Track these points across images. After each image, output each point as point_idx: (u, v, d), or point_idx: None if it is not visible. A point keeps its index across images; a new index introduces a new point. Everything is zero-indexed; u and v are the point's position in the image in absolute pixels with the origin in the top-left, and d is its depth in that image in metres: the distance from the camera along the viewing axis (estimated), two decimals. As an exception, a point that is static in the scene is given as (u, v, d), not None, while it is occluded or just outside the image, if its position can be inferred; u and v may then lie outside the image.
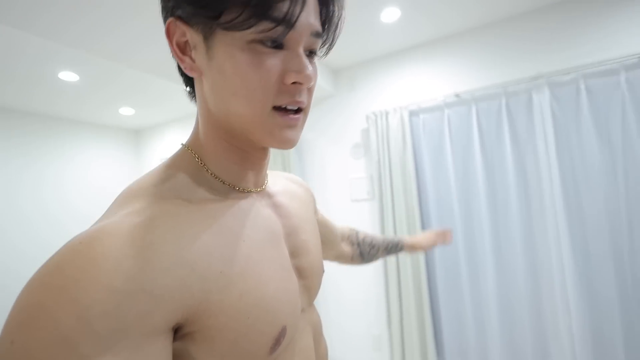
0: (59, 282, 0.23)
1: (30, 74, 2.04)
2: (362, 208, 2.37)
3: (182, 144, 0.41)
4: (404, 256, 2.08)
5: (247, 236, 0.37)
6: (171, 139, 3.47)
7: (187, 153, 0.39)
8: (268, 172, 0.51)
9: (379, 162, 2.23)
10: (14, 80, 2.12)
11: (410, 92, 2.21)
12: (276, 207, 0.46)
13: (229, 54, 0.32)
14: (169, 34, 0.34)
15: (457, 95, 1.98)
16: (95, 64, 1.99)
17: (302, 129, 0.40)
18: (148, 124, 3.62)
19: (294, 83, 0.34)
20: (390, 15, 1.78)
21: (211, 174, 0.39)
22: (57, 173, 2.79)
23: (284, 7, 0.30)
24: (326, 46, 0.39)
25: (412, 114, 2.17)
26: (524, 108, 1.82)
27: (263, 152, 0.42)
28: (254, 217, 0.40)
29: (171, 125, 3.50)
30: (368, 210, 2.35)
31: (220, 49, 0.32)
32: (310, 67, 0.34)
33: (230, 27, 0.30)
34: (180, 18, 0.33)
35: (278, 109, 0.35)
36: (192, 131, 0.41)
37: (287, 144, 0.37)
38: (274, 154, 2.57)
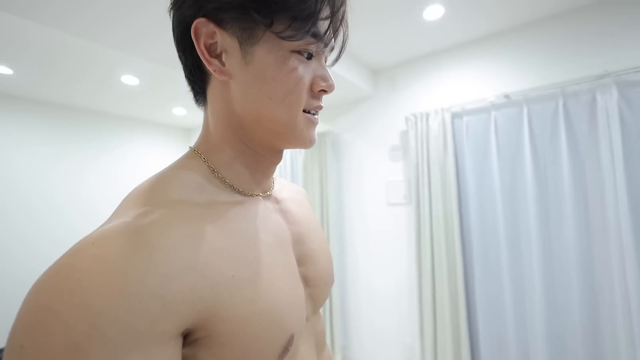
0: (69, 284, 0.22)
1: (97, 78, 2.28)
2: (398, 213, 2.29)
3: (190, 147, 0.41)
4: (440, 264, 1.98)
5: (258, 240, 0.37)
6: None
7: (196, 156, 0.39)
8: (275, 177, 0.51)
9: (417, 166, 2.15)
10: (85, 84, 2.39)
11: (454, 93, 2.09)
12: (284, 212, 0.46)
13: (272, 61, 0.34)
14: (196, 35, 0.33)
15: (506, 96, 1.83)
16: (153, 69, 2.18)
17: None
18: (198, 124, 3.86)
19: (320, 91, 0.38)
20: (433, 12, 1.70)
21: (220, 177, 0.38)
22: (116, 166, 3.10)
23: (325, 25, 0.34)
24: (334, 59, 0.42)
25: (455, 116, 2.05)
26: (585, 110, 1.62)
27: (278, 156, 0.43)
28: (264, 221, 0.40)
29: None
30: (404, 215, 2.27)
31: (262, 56, 0.34)
32: (332, 77, 0.39)
33: (284, 36, 0.32)
34: (212, 19, 0.33)
35: (305, 111, 0.38)
36: (201, 134, 0.41)
37: (312, 141, 0.40)
38: (312, 154, 2.59)
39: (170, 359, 0.25)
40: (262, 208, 0.42)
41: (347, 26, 0.38)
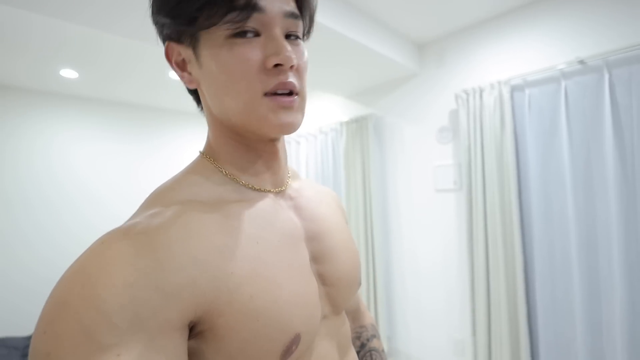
0: (82, 279, 0.26)
1: (145, 74, 2.41)
2: (447, 199, 2.12)
3: (199, 152, 0.43)
4: (495, 257, 1.79)
5: (261, 237, 0.37)
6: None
7: (203, 158, 0.41)
8: (294, 175, 0.51)
9: (469, 148, 1.94)
10: (134, 81, 2.55)
11: (513, 63, 1.82)
12: (298, 209, 0.45)
13: (213, 55, 0.34)
14: (168, 57, 0.38)
15: (581, 62, 1.54)
16: None
17: (301, 112, 0.39)
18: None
19: (275, 66, 0.34)
20: (487, -31, 1.47)
21: (228, 175, 0.39)
22: (170, 158, 3.31)
23: None
24: (306, 28, 0.40)
25: (515, 89, 1.79)
26: (691, 72, 1.30)
27: (272, 145, 0.42)
28: (270, 218, 0.39)
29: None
30: (454, 201, 2.09)
31: (205, 54, 0.35)
32: (289, 48, 0.34)
33: (205, 26, 0.33)
34: (172, 39, 0.37)
35: (269, 95, 0.35)
36: (206, 139, 0.43)
37: (286, 127, 0.36)
38: (353, 140, 2.49)
39: (176, 347, 0.28)
40: (271, 204, 0.41)
41: None
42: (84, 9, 1.28)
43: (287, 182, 0.46)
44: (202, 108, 0.43)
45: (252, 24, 0.33)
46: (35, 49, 2.09)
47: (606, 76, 1.47)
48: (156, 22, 0.37)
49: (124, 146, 3.02)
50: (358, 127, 2.48)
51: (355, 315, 0.62)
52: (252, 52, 0.34)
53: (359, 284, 0.50)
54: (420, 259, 2.25)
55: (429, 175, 2.20)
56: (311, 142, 3.00)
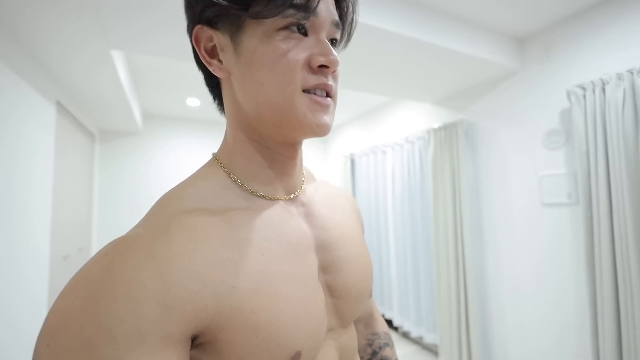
0: (83, 292, 0.26)
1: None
2: (559, 216, 1.78)
3: (212, 154, 0.42)
4: (628, 287, 1.41)
5: (266, 249, 0.36)
6: (351, 134, 3.82)
7: (214, 163, 0.40)
8: (309, 178, 0.49)
9: (587, 154, 1.61)
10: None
11: (652, 45, 1.45)
12: (309, 216, 0.43)
13: (258, 45, 0.34)
14: (197, 41, 0.36)
15: None
16: None
17: (333, 116, 0.38)
18: (334, 124, 4.13)
19: (320, 67, 0.34)
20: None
21: (238, 182, 0.38)
22: None
23: None
24: (344, 40, 0.40)
25: (655, 78, 1.42)
26: None
27: (293, 150, 0.40)
28: (278, 228, 0.38)
29: (351, 124, 3.86)
30: (568, 218, 1.74)
31: (248, 43, 0.34)
32: (335, 52, 0.35)
33: (259, 15, 0.32)
34: (207, 23, 0.36)
35: (307, 92, 0.35)
36: (222, 140, 0.42)
37: (322, 128, 0.36)
38: (442, 148, 2.34)
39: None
40: (281, 212, 0.40)
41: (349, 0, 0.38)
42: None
43: (301, 187, 0.44)
44: (220, 103, 0.43)
45: (306, 22, 0.34)
46: (168, 83, 2.65)
47: None
48: (195, 2, 0.35)
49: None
50: (447, 135, 2.32)
51: (368, 321, 0.60)
52: (299, 48, 0.34)
53: (370, 295, 0.47)
54: (525, 286, 1.94)
55: (534, 187, 1.90)
56: (397, 152, 2.93)
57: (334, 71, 0.36)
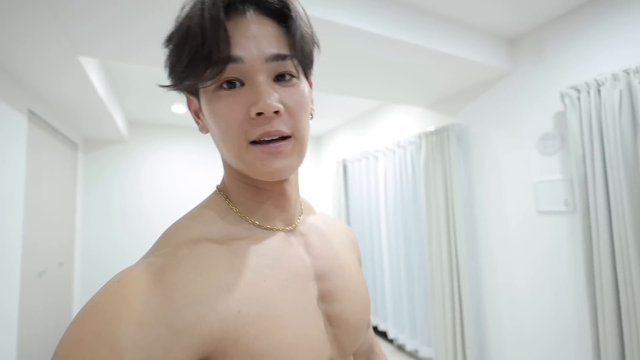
0: (97, 317, 0.27)
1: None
2: (556, 224, 1.69)
3: (216, 187, 0.44)
4: (632, 301, 1.32)
5: (268, 276, 0.37)
6: (343, 139, 3.75)
7: (218, 195, 0.42)
8: (307, 209, 0.51)
9: (584, 159, 1.52)
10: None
11: (649, 43, 1.37)
12: (308, 246, 0.44)
13: (206, 107, 0.37)
14: (189, 106, 0.42)
15: None
16: None
17: (296, 155, 0.38)
18: (325, 130, 4.06)
19: (258, 114, 0.34)
20: None
21: (239, 213, 0.41)
22: None
23: (220, 51, 0.33)
24: (305, 63, 0.39)
25: (653, 78, 1.34)
26: None
27: (279, 186, 0.42)
28: (278, 256, 0.39)
29: (342, 129, 3.78)
30: (565, 227, 1.65)
31: (203, 106, 0.37)
32: (269, 95, 0.34)
33: (191, 82, 0.35)
34: (189, 92, 0.40)
35: (256, 143, 0.35)
36: (223, 176, 0.45)
37: (273, 174, 0.36)
38: (433, 153, 2.26)
39: None
40: (281, 242, 0.41)
41: (293, 22, 0.36)
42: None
43: (299, 219, 0.46)
44: None
45: (232, 74, 0.34)
46: (152, 91, 2.57)
47: None
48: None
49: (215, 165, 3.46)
50: (439, 139, 2.24)
51: (368, 356, 0.60)
52: (235, 102, 0.34)
53: (368, 325, 0.48)
54: (521, 296, 1.84)
55: (529, 194, 1.81)
56: (389, 157, 2.85)
57: (277, 112, 0.34)
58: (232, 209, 0.41)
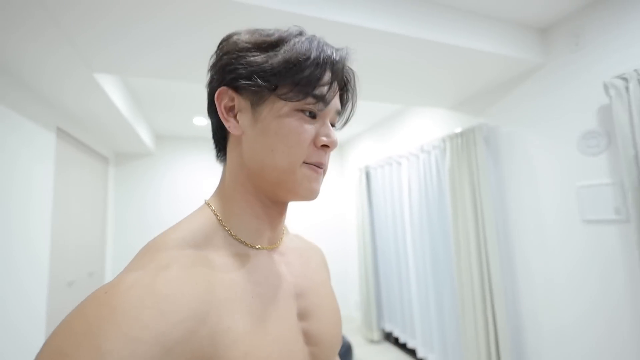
0: (81, 328, 0.25)
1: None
2: (605, 235, 1.47)
3: (205, 201, 0.44)
4: None
5: (256, 292, 0.38)
6: (365, 146, 3.64)
7: (207, 209, 0.42)
8: (286, 230, 0.52)
9: (636, 159, 1.31)
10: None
11: None
12: (289, 265, 0.46)
13: (275, 117, 0.39)
14: (219, 99, 0.41)
15: None
16: None
17: (321, 184, 0.43)
18: (347, 137, 3.97)
19: (323, 146, 0.40)
20: None
21: (227, 230, 0.41)
22: None
23: (324, 89, 0.39)
24: (342, 122, 0.47)
25: None
26: None
27: (283, 207, 0.44)
28: (265, 274, 0.41)
29: (364, 135, 3.68)
30: (617, 238, 1.43)
31: (267, 114, 0.39)
32: (336, 135, 0.42)
33: (285, 97, 0.38)
34: (231, 87, 0.40)
35: (306, 164, 0.40)
36: (217, 188, 0.45)
37: (314, 193, 0.41)
38: (459, 156, 2.08)
39: None
40: (266, 260, 0.42)
41: (353, 90, 0.45)
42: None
43: (281, 239, 0.48)
44: (221, 153, 0.46)
45: (317, 109, 0.40)
46: (173, 104, 2.64)
47: None
48: (229, 69, 0.40)
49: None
50: (464, 142, 2.06)
51: None
52: (309, 128, 0.39)
53: (339, 343, 0.49)
54: (566, 316, 1.61)
55: (571, 200, 1.59)
56: (413, 163, 2.70)
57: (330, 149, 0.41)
58: (221, 223, 0.41)
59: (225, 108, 0.41)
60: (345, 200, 4.11)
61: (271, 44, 0.39)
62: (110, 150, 3.10)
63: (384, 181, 3.13)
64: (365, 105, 2.90)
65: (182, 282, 0.31)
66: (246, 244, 0.41)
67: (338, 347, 0.48)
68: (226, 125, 0.41)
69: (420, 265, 2.57)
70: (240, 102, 0.40)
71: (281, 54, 0.38)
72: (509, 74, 1.82)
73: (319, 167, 0.41)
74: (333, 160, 4.16)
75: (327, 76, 0.39)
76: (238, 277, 0.37)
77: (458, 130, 2.12)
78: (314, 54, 0.38)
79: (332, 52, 0.39)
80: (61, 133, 2.05)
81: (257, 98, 0.39)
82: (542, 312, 1.72)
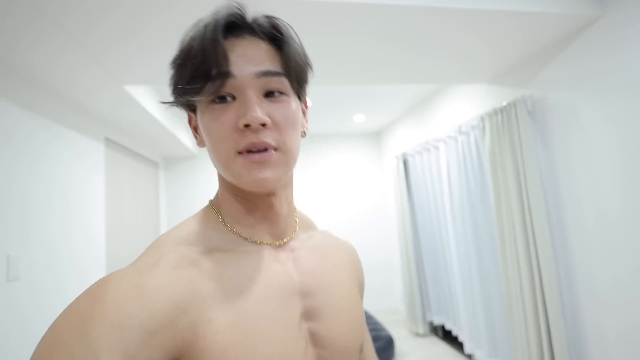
0: (75, 319, 0.29)
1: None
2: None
3: (209, 201, 0.46)
4: None
5: (246, 287, 0.38)
6: (402, 133, 3.47)
7: (209, 208, 0.44)
8: (305, 225, 0.52)
9: None
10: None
11: None
12: (296, 261, 0.45)
13: (202, 120, 0.39)
14: (189, 122, 0.45)
15: None
16: (333, 89, 2.48)
17: (282, 167, 0.39)
18: (383, 124, 3.82)
19: (246, 126, 0.36)
20: None
21: (227, 226, 0.42)
22: (325, 172, 3.78)
23: (218, 68, 0.36)
24: (295, 80, 0.41)
25: None
26: None
27: (267, 199, 0.43)
28: (260, 270, 0.40)
29: (400, 121, 3.50)
30: (703, 223, 1.15)
31: (199, 120, 0.40)
32: (257, 109, 0.36)
33: (191, 97, 0.38)
34: (189, 109, 0.43)
35: (242, 153, 0.37)
36: (217, 189, 0.47)
37: (259, 183, 0.38)
38: (499, 135, 1.87)
39: None
40: (266, 256, 0.42)
41: (280, 35, 0.40)
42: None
43: (293, 234, 0.47)
44: None
45: (227, 89, 0.37)
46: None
47: None
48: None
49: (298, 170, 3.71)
50: (505, 119, 1.84)
51: None
52: (226, 114, 0.37)
53: (360, 350, 0.47)
54: (636, 317, 1.37)
55: (640, 178, 1.33)
56: (451, 146, 2.49)
57: (264, 124, 0.37)
58: (221, 221, 0.42)
59: (193, 128, 0.44)
60: (385, 189, 3.98)
61: (174, 59, 0.40)
62: (158, 155, 3.37)
63: (423, 167, 2.95)
64: (399, 90, 2.74)
65: (165, 276, 0.33)
66: (247, 240, 0.42)
67: (356, 353, 0.46)
68: (196, 140, 0.45)
69: (464, 257, 2.38)
70: (194, 119, 0.43)
71: (175, 63, 0.39)
72: (556, 34, 1.56)
73: (254, 151, 0.37)
74: (369, 150, 4.04)
75: (199, 54, 0.36)
76: (228, 272, 0.38)
77: (497, 105, 1.89)
78: (185, 44, 0.38)
79: (205, 25, 0.37)
80: (109, 143, 2.27)
81: (193, 110, 0.41)
82: (607, 316, 1.48)
